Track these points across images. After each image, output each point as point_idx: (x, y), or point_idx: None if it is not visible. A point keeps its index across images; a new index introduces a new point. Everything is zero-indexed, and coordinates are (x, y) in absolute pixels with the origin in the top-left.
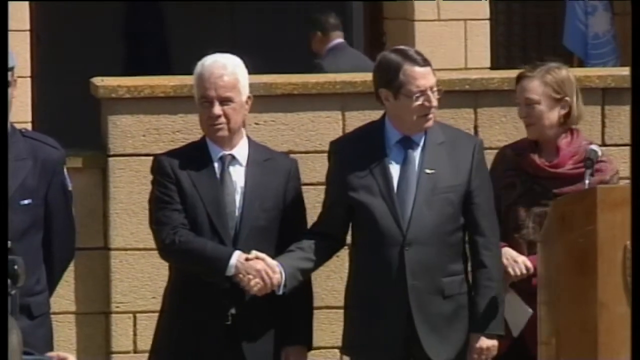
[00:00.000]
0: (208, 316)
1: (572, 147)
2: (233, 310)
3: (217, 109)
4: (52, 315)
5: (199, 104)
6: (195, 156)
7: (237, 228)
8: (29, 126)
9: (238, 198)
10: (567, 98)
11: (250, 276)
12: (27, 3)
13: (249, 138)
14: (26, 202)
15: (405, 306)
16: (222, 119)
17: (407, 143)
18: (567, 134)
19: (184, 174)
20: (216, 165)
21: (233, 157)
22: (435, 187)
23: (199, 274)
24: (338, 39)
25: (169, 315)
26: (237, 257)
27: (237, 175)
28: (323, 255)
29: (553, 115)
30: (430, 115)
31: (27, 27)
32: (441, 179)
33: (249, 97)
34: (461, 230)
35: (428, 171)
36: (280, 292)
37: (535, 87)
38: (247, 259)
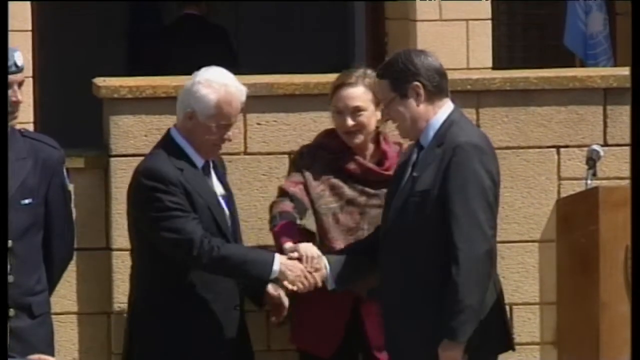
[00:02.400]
0: (221, 314)
1: (392, 149)
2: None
3: (231, 132)
4: (54, 316)
5: (211, 125)
6: (184, 164)
7: (233, 232)
8: (30, 126)
9: (223, 202)
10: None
11: (291, 283)
12: (29, 3)
13: None
14: (27, 201)
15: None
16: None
17: (417, 145)
18: (378, 137)
19: (186, 183)
20: (202, 172)
21: (208, 163)
22: (412, 191)
23: (237, 279)
24: (188, 10)
25: (175, 317)
26: (279, 261)
27: (214, 180)
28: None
29: (374, 120)
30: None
31: (29, 27)
32: (419, 183)
33: None
34: (438, 236)
35: (415, 174)
36: (330, 288)
37: (361, 94)
38: (289, 258)
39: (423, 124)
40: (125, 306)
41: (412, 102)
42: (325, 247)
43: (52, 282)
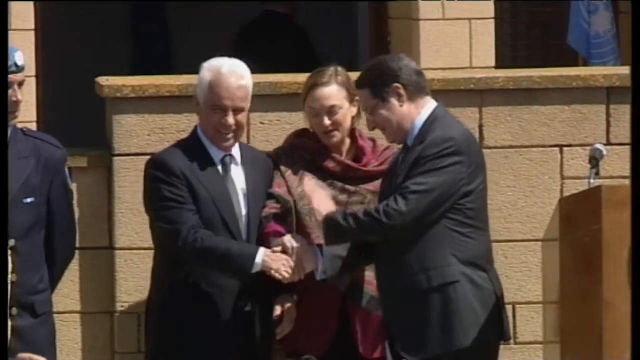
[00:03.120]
0: (226, 316)
1: (368, 145)
2: (248, 307)
3: (231, 119)
4: (56, 315)
5: (207, 109)
6: (197, 156)
7: (247, 228)
8: (33, 125)
9: (242, 198)
10: (357, 98)
11: (276, 272)
12: (31, 2)
13: None
14: (29, 200)
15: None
16: (233, 127)
17: (404, 146)
18: (353, 133)
19: (191, 174)
20: (219, 166)
21: (232, 157)
22: (395, 187)
23: (220, 272)
24: (268, 7)
25: (180, 317)
26: (262, 254)
27: (237, 175)
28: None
29: (349, 116)
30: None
31: (32, 26)
32: (398, 179)
33: None
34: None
35: (398, 172)
36: (319, 278)
37: (335, 93)
38: (273, 251)
39: (408, 125)
40: (127, 305)
41: (394, 104)
42: None
43: (54, 281)
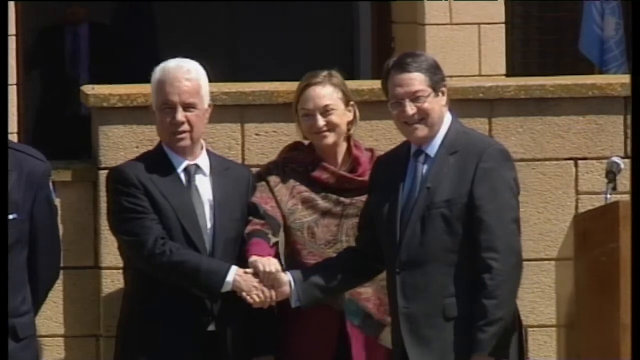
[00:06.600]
0: (186, 334)
1: (364, 155)
2: (212, 327)
3: (181, 115)
4: (39, 338)
5: (159, 110)
6: (158, 166)
7: (212, 241)
8: (14, 137)
9: (208, 209)
10: (352, 102)
11: (247, 295)
12: (12, 6)
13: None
14: (11, 217)
15: (398, 330)
16: (186, 126)
17: (419, 155)
18: (349, 142)
19: (150, 184)
20: (182, 175)
21: (197, 167)
22: (431, 202)
23: (188, 287)
24: None
25: (140, 334)
26: (234, 273)
27: (203, 185)
28: (355, 273)
29: (345, 120)
30: (416, 125)
31: (13, 31)
32: (438, 194)
33: (209, 105)
34: (468, 246)
35: (428, 185)
36: (294, 305)
37: (330, 93)
38: (246, 272)
39: (438, 128)
40: (114, 328)
41: (442, 101)
42: (299, 264)
43: (37, 303)
